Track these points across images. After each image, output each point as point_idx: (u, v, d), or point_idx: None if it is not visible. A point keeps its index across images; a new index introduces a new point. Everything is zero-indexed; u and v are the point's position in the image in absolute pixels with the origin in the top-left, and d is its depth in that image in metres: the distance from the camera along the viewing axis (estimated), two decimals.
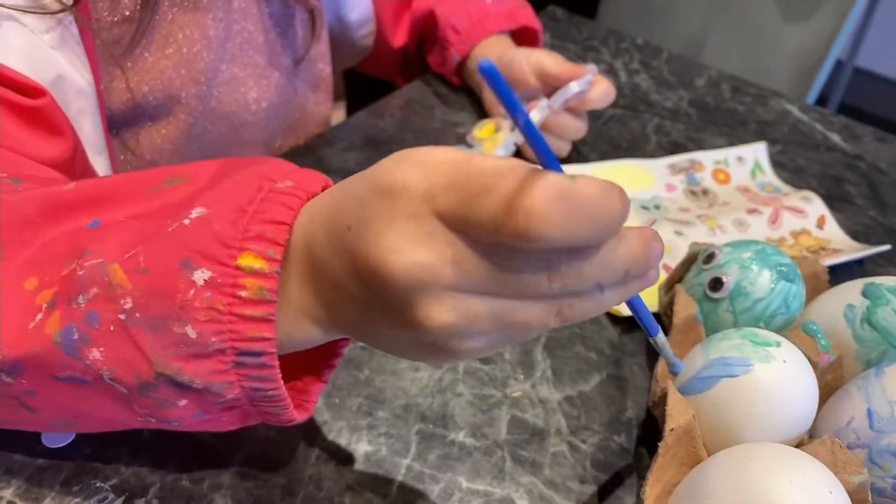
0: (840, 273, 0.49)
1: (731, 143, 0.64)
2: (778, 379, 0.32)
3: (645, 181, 0.57)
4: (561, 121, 0.55)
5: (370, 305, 0.23)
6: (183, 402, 0.27)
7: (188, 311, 0.24)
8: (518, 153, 0.55)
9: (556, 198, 0.19)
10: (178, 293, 0.24)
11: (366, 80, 0.76)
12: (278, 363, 0.26)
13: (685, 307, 0.38)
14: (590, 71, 0.53)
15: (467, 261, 0.21)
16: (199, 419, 0.28)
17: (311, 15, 0.57)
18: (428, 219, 0.21)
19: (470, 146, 0.54)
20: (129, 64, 0.46)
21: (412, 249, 0.21)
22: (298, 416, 0.29)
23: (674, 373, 0.26)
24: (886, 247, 0.51)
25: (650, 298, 0.45)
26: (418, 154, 0.22)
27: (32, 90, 0.38)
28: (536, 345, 0.43)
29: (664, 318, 0.42)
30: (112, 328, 0.25)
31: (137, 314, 0.25)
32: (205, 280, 0.24)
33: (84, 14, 0.43)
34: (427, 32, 0.68)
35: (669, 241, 0.52)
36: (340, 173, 0.54)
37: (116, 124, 0.48)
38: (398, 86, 0.74)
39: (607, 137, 0.63)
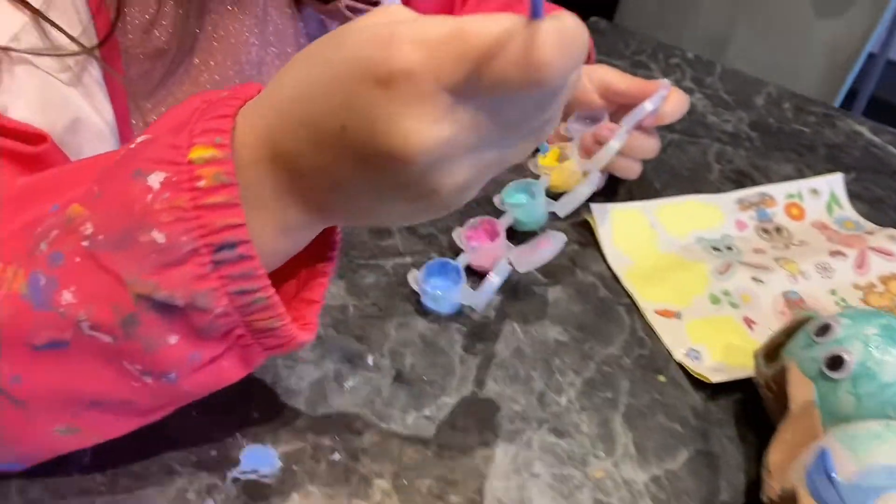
0: None
1: (800, 171, 0.60)
2: None
3: (714, 218, 0.53)
4: (633, 141, 0.50)
5: (381, 191, 0.24)
6: (173, 339, 0.25)
7: (150, 216, 0.24)
8: (609, 179, 0.51)
9: (558, 44, 0.20)
10: (136, 202, 0.24)
11: None
12: (257, 254, 0.24)
13: (803, 390, 0.33)
14: (663, 86, 0.49)
15: (481, 122, 0.22)
16: (197, 365, 0.27)
17: None
18: (439, 95, 0.21)
19: (536, 176, 0.50)
20: (162, 98, 0.42)
21: (432, 128, 0.21)
22: (302, 336, 0.28)
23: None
24: None
25: (744, 360, 0.41)
26: (408, 33, 0.21)
27: (34, 137, 0.35)
28: (615, 414, 0.39)
29: (765, 390, 0.38)
30: (78, 259, 0.25)
31: (100, 236, 0.24)
32: (160, 182, 0.24)
33: (112, 51, 0.39)
34: None
35: (747, 288, 0.47)
36: None
37: None
38: None
39: (667, 166, 0.58)
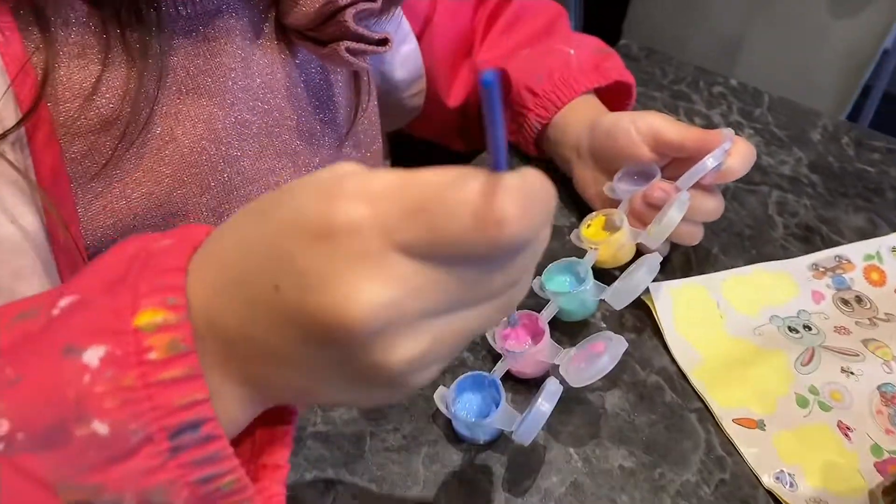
0: None
1: (871, 221, 0.52)
2: None
3: (786, 290, 0.46)
4: (692, 202, 0.42)
5: (318, 368, 0.21)
6: None
7: (89, 403, 0.19)
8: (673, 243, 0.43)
9: (519, 199, 0.18)
10: (69, 386, 0.20)
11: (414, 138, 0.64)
12: (223, 431, 0.20)
13: None
14: (725, 137, 0.41)
15: (430, 286, 0.19)
16: None
17: (354, 79, 0.45)
18: (385, 254, 0.19)
19: (580, 252, 0.42)
20: (115, 178, 0.35)
21: (374, 289, 0.18)
22: None
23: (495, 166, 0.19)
24: None
25: (848, 483, 0.34)
26: (350, 184, 0.19)
27: None
28: None
29: None
30: None
31: (19, 435, 0.20)
32: (99, 358, 0.20)
33: (43, 127, 0.31)
34: None
35: (838, 384, 0.40)
36: None
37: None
38: (454, 149, 0.63)
39: (725, 222, 0.51)
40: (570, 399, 0.38)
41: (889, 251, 0.49)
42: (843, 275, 0.47)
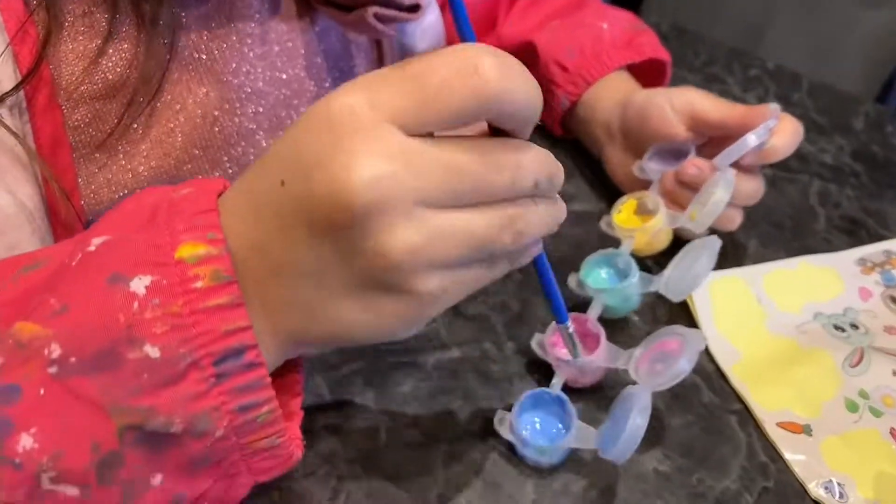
0: None
1: None
2: None
3: (832, 286, 0.43)
4: (740, 186, 0.39)
5: (326, 265, 0.21)
6: (157, 480, 0.21)
7: (140, 328, 0.20)
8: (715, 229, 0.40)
9: (501, 60, 0.20)
10: (119, 311, 0.20)
11: None
12: (264, 359, 0.21)
13: None
14: (773, 113, 0.38)
15: (426, 166, 0.20)
16: None
17: (377, 46, 0.43)
18: (382, 127, 0.20)
19: (615, 241, 0.39)
20: (121, 148, 0.32)
21: (370, 162, 0.19)
22: (298, 452, 0.24)
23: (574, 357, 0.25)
24: None
25: (886, 495, 0.31)
26: (353, 82, 0.21)
27: None
28: None
29: None
30: (42, 391, 0.20)
31: (72, 359, 0.20)
32: (146, 286, 0.20)
33: (43, 91, 0.29)
34: None
35: (889, 387, 0.37)
36: None
37: None
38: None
39: (763, 211, 0.48)
40: (601, 396, 0.36)
41: None
42: (893, 271, 0.44)
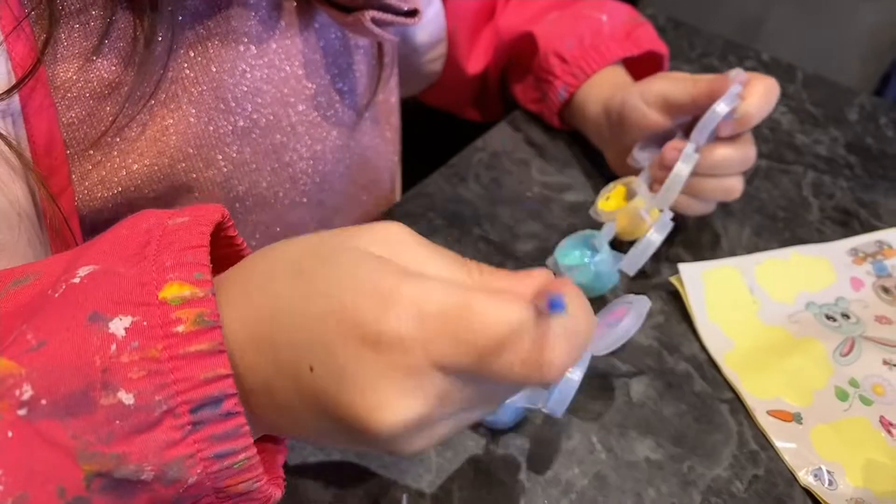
0: None
1: None
2: None
3: (824, 276, 0.43)
4: (716, 156, 0.39)
5: (332, 434, 0.21)
6: None
7: (115, 372, 0.19)
8: (675, 221, 0.40)
9: (567, 345, 0.20)
10: (96, 353, 0.19)
11: (427, 107, 0.61)
12: (242, 409, 0.20)
13: None
14: (734, 79, 0.38)
15: (457, 396, 0.20)
16: None
17: (378, 48, 0.42)
18: (424, 370, 0.19)
19: (598, 225, 0.39)
20: (116, 146, 0.32)
21: (404, 404, 0.19)
22: (276, 492, 0.23)
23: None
24: None
25: (892, 485, 0.31)
26: (408, 296, 0.19)
27: None
28: None
29: None
30: (10, 433, 0.19)
31: (43, 401, 0.19)
32: (125, 328, 0.20)
33: (39, 91, 0.29)
34: (518, 59, 0.53)
35: (879, 377, 0.37)
36: None
37: (96, 231, 0.34)
38: (468, 118, 0.60)
39: (757, 203, 0.48)
40: (594, 386, 0.36)
41: None
42: (885, 261, 0.44)
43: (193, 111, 0.33)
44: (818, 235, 0.46)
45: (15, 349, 0.20)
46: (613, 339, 0.31)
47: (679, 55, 0.62)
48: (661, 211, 0.39)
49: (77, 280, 0.20)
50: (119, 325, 0.19)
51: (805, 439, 0.35)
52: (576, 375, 0.30)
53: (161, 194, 0.34)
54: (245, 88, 0.35)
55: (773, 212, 0.48)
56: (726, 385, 0.37)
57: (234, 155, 0.35)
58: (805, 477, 0.33)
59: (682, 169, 0.37)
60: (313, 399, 0.20)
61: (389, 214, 0.44)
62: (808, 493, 0.33)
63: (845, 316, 0.41)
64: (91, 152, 0.31)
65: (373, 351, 0.19)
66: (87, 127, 0.31)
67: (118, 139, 0.31)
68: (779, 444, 0.34)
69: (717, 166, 0.38)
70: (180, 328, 0.19)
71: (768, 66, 0.62)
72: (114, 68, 0.30)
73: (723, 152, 0.38)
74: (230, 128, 0.35)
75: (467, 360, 0.19)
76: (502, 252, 0.42)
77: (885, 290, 0.43)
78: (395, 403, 0.19)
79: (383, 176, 0.46)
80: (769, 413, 0.36)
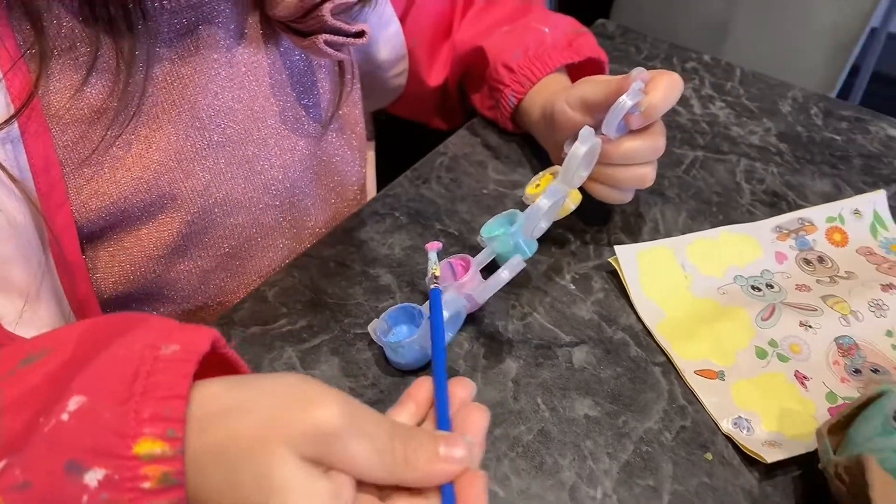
0: None
1: (837, 187, 0.54)
2: None
3: (751, 251, 0.48)
4: (625, 148, 0.43)
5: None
6: None
7: None
8: (634, 211, 0.45)
9: (462, 466, 0.25)
10: (70, 501, 0.21)
11: (400, 120, 0.66)
12: None
13: (887, 492, 0.28)
14: (636, 77, 0.42)
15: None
16: None
17: (339, 67, 0.47)
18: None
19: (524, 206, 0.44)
20: (105, 163, 0.37)
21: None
22: None
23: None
24: None
25: (802, 428, 0.36)
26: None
27: None
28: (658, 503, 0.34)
29: (836, 482, 0.32)
30: None
31: None
32: (98, 480, 0.22)
33: (35, 119, 0.33)
34: (472, 70, 0.58)
35: (796, 336, 0.42)
36: (388, 264, 0.45)
37: (92, 237, 0.38)
38: (435, 128, 0.64)
39: (693, 190, 0.53)
40: (539, 354, 0.40)
41: (851, 213, 0.50)
42: (806, 236, 0.49)
43: (172, 129, 0.38)
44: (748, 216, 0.51)
45: (4, 484, 0.22)
46: (491, 286, 0.38)
47: (626, 59, 0.67)
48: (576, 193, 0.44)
49: (66, 417, 0.22)
50: (93, 477, 0.21)
51: (727, 393, 0.39)
52: (504, 275, 0.37)
53: (149, 203, 0.38)
54: (217, 107, 0.40)
55: (707, 197, 0.53)
56: (659, 350, 0.41)
57: (211, 166, 0.40)
58: (726, 425, 0.38)
59: (578, 148, 0.41)
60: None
61: (359, 215, 0.49)
62: (728, 439, 0.37)
63: (769, 286, 0.46)
64: (84, 170, 0.36)
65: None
66: (80, 148, 0.35)
67: (107, 157, 0.36)
68: (704, 398, 0.39)
69: (628, 156, 0.43)
70: (146, 485, 0.21)
71: (709, 65, 0.67)
72: (101, 96, 0.35)
73: (633, 143, 0.43)
74: (206, 142, 0.39)
75: (379, 468, 0.24)
76: (460, 243, 0.47)
77: (807, 261, 0.48)
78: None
79: (351, 180, 0.50)
80: (696, 372, 0.40)
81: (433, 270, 0.39)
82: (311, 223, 0.48)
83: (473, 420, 0.27)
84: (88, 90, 0.35)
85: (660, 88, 0.41)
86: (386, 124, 0.66)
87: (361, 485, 0.24)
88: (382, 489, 0.25)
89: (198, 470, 0.23)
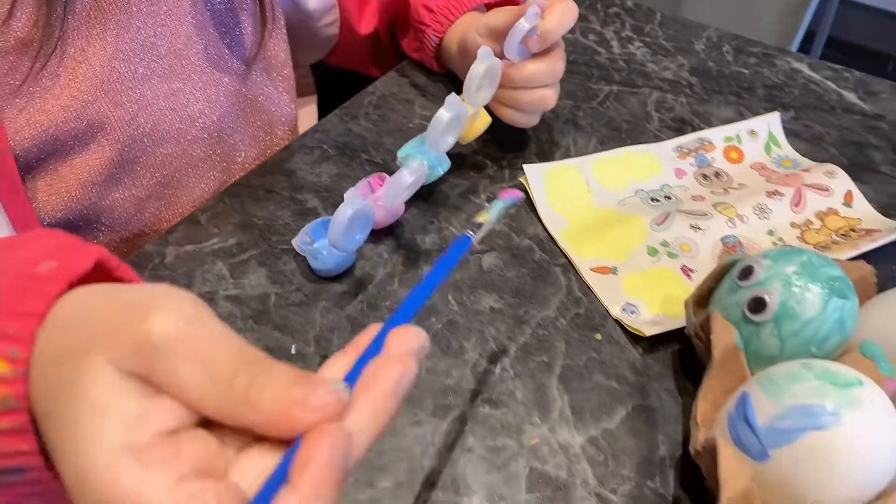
0: (876, 259, 0.44)
1: (740, 113, 0.58)
2: (866, 426, 0.27)
3: (652, 169, 0.52)
4: (525, 70, 0.46)
5: None
6: None
7: None
8: (547, 137, 0.49)
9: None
10: None
11: (340, 71, 0.69)
12: (51, 475, 0.21)
13: (724, 334, 0.33)
14: (532, 2, 0.45)
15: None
16: None
17: (259, 4, 0.50)
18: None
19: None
20: (35, 93, 0.40)
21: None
22: None
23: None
24: None
25: (682, 310, 0.40)
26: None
27: None
28: (551, 378, 0.38)
29: (696, 340, 0.37)
30: None
31: None
32: None
33: None
34: (398, 16, 0.61)
35: (686, 237, 0.46)
36: (315, 190, 0.48)
37: (30, 166, 0.41)
38: (373, 76, 0.68)
39: (605, 119, 0.57)
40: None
41: (747, 133, 0.55)
42: (706, 154, 0.53)
43: (97, 61, 0.41)
44: (654, 140, 0.55)
45: None
46: (394, 184, 0.42)
47: None
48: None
49: None
50: None
51: (618, 285, 0.43)
52: (405, 175, 0.42)
53: (80, 132, 0.41)
54: (140, 41, 0.43)
55: (618, 125, 0.57)
56: (561, 254, 0.46)
57: (138, 97, 0.43)
58: (615, 310, 0.42)
59: (476, 66, 0.44)
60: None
61: (289, 148, 0.52)
62: (617, 322, 0.42)
63: (667, 198, 0.50)
64: (16, 100, 0.39)
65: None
66: (10, 79, 0.38)
67: (37, 87, 0.39)
68: (597, 290, 0.43)
69: (528, 79, 0.47)
70: None
71: (631, 10, 0.71)
72: (26, 29, 0.38)
73: (533, 66, 0.46)
74: (131, 75, 0.43)
75: (217, 401, 0.20)
76: (384, 169, 0.51)
77: (705, 176, 0.52)
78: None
79: (280, 120, 0.54)
80: (592, 269, 0.44)
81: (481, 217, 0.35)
82: (240, 158, 0.51)
83: (383, 372, 0.21)
84: (14, 23, 0.38)
85: (555, 13, 0.45)
86: (329, 81, 0.69)
87: (213, 425, 0.20)
88: (239, 435, 0.21)
89: (39, 387, 0.21)
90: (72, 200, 0.43)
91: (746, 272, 0.34)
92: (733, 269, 0.36)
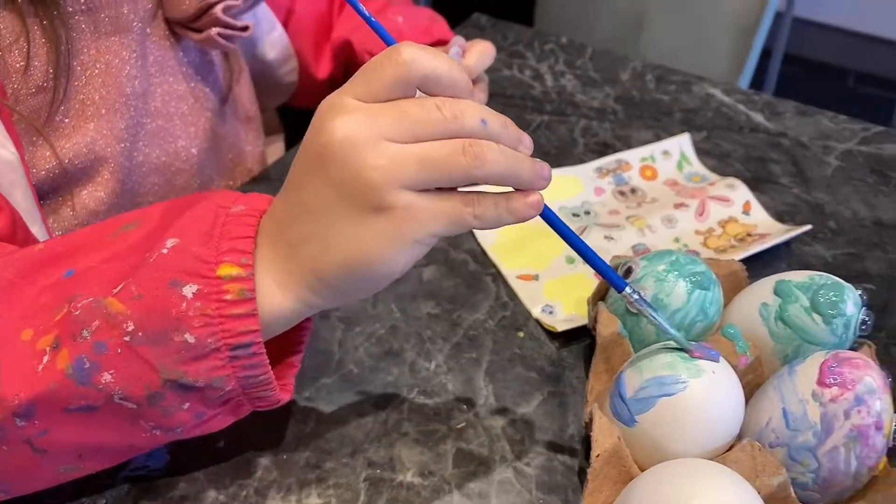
0: (766, 258, 0.51)
1: (658, 136, 0.66)
2: (710, 391, 0.33)
3: (573, 188, 0.59)
4: None
5: (325, 203, 0.30)
6: (186, 406, 0.32)
7: (185, 321, 0.30)
8: None
9: (414, 46, 0.29)
10: (173, 307, 0.30)
11: (307, 111, 0.76)
12: (264, 350, 0.31)
13: (608, 325, 0.39)
14: (453, 44, 0.53)
15: (381, 111, 0.29)
16: (199, 421, 0.33)
17: (225, 56, 0.57)
18: (345, 100, 0.29)
19: None
20: (51, 132, 0.46)
21: (340, 116, 0.29)
22: (285, 396, 0.35)
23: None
24: (808, 227, 0.53)
25: (586, 310, 0.47)
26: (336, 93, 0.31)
27: None
28: (478, 371, 0.45)
29: (593, 332, 0.43)
30: (119, 350, 0.30)
31: (140, 333, 0.30)
32: (193, 293, 0.29)
33: (2, 95, 0.43)
34: (349, 61, 0.68)
35: (600, 246, 0.53)
36: None
37: (46, 193, 0.48)
38: None
39: (536, 146, 0.63)
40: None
41: (661, 153, 0.62)
42: (623, 173, 0.60)
43: (103, 105, 0.48)
44: (580, 163, 0.62)
45: (124, 295, 0.30)
46: None
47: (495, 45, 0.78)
48: None
49: (165, 251, 0.31)
50: (189, 290, 0.30)
51: (540, 290, 0.50)
52: None
53: (86, 165, 0.48)
54: (135, 88, 0.50)
55: (548, 150, 0.64)
56: (492, 265, 0.52)
57: (133, 134, 0.50)
58: (536, 311, 0.48)
59: None
60: (302, 165, 0.31)
61: (256, 178, 0.59)
62: (537, 322, 0.48)
63: (587, 212, 0.57)
64: (34, 138, 0.45)
65: (318, 117, 0.30)
66: (35, 118, 0.44)
67: (50, 128, 0.46)
68: (521, 295, 0.49)
69: None
70: (228, 297, 0.30)
71: (565, 46, 0.79)
72: (41, 76, 0.44)
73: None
74: (129, 115, 0.49)
75: (356, 79, 0.30)
76: None
77: (621, 193, 0.59)
78: (336, 117, 0.29)
79: (248, 157, 0.61)
80: (518, 277, 0.51)
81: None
82: (214, 188, 0.58)
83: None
84: (32, 73, 0.44)
85: (474, 53, 0.53)
86: (296, 120, 0.76)
87: None
88: None
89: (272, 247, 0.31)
90: (81, 227, 0.49)
91: (628, 272, 0.40)
92: (618, 269, 0.42)
